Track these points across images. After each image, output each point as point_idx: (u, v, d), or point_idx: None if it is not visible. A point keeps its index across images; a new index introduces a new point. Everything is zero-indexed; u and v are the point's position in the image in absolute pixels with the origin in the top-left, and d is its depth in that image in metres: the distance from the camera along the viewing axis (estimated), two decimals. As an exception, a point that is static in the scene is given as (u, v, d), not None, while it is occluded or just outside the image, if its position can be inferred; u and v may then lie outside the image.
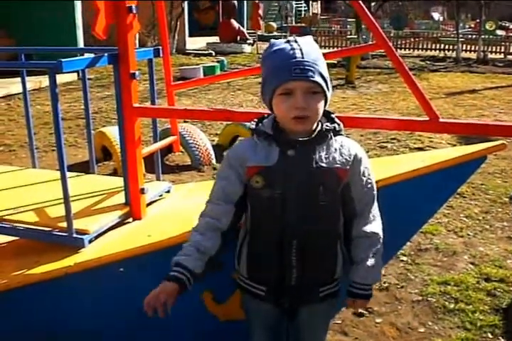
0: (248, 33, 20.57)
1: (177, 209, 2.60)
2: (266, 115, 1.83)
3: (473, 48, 17.77)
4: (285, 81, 1.62)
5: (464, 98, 10.38)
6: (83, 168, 4.38)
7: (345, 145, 1.76)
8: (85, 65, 2.21)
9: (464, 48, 17.78)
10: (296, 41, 1.66)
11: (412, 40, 19.65)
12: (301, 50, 1.63)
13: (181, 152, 5.74)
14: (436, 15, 32.30)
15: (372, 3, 17.54)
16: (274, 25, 27.36)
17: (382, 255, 1.85)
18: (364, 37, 17.25)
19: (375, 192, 1.82)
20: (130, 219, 2.47)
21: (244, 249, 1.84)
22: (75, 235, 2.22)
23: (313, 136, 1.71)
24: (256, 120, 1.80)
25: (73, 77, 11.33)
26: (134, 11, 2.26)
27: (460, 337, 2.85)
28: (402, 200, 2.20)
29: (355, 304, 1.87)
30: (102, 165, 5.68)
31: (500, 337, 2.86)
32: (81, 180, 2.82)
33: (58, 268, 2.15)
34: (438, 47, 18.65)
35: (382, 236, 1.83)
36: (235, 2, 20.71)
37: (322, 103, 1.67)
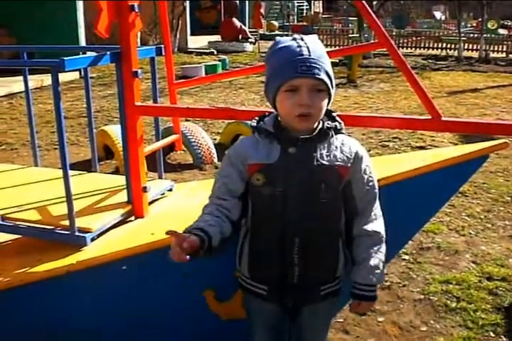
0: (250, 32, 20.57)
1: (179, 207, 2.61)
2: (267, 113, 1.83)
3: (475, 47, 17.75)
4: (291, 77, 1.62)
5: (465, 97, 10.37)
6: (85, 166, 4.39)
7: (346, 144, 1.76)
8: (88, 63, 2.21)
9: (466, 47, 17.77)
10: (302, 39, 1.66)
11: (414, 39, 19.62)
12: (307, 47, 1.63)
13: (183, 151, 5.74)
14: (438, 14, 32.24)
15: (374, 2, 17.52)
16: (276, 24, 27.33)
17: (386, 255, 1.82)
18: (366, 36, 17.25)
19: (377, 191, 1.81)
20: (132, 218, 2.47)
21: (245, 248, 1.84)
22: (77, 233, 2.22)
23: (314, 133, 1.71)
24: (257, 118, 1.80)
25: (75, 75, 11.34)
26: (137, 10, 2.26)
27: (462, 336, 2.85)
28: (403, 199, 2.20)
29: (359, 306, 1.84)
30: (104, 164, 5.68)
31: (502, 336, 2.86)
32: (83, 179, 2.82)
33: (60, 267, 2.15)
34: (440, 46, 18.63)
35: (384, 236, 1.81)
36: (237, 1, 20.71)
37: (326, 101, 1.67)
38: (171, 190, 2.78)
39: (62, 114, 2.14)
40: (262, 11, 20.38)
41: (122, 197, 2.50)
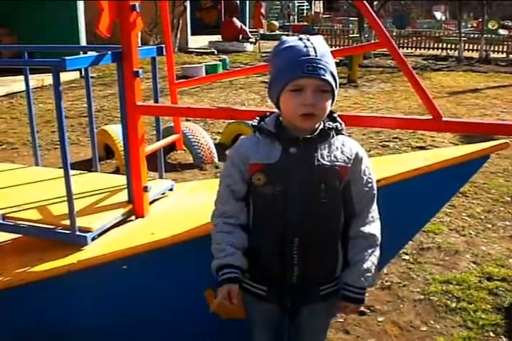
0: (250, 32, 20.57)
1: (180, 207, 2.61)
2: (268, 113, 1.83)
3: (475, 47, 17.74)
4: (297, 77, 1.62)
5: (466, 97, 10.37)
6: (85, 166, 4.40)
7: (346, 144, 1.76)
8: (89, 63, 2.21)
9: (467, 47, 17.76)
10: (308, 39, 1.66)
11: (415, 39, 19.61)
12: (314, 48, 1.63)
13: (183, 150, 5.74)
14: (438, 15, 32.21)
15: (375, 2, 17.54)
16: (276, 24, 27.34)
17: (379, 258, 1.82)
18: (366, 36, 17.25)
19: (375, 193, 1.81)
20: (133, 217, 2.47)
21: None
22: (78, 233, 2.22)
23: (315, 134, 1.71)
24: (258, 118, 1.80)
25: (75, 75, 11.34)
26: (138, 10, 2.26)
27: (462, 336, 2.85)
28: (404, 199, 2.20)
29: (347, 308, 1.84)
30: (105, 164, 5.68)
31: (502, 336, 2.86)
32: (84, 178, 2.82)
33: (61, 266, 2.15)
34: (440, 46, 18.61)
35: (379, 239, 1.81)
36: (237, 1, 20.72)
37: (330, 102, 1.68)
38: (171, 189, 2.78)
39: (63, 113, 2.15)
40: (263, 10, 20.43)
41: (123, 196, 2.50)
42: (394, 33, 19.39)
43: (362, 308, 2.97)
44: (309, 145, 1.71)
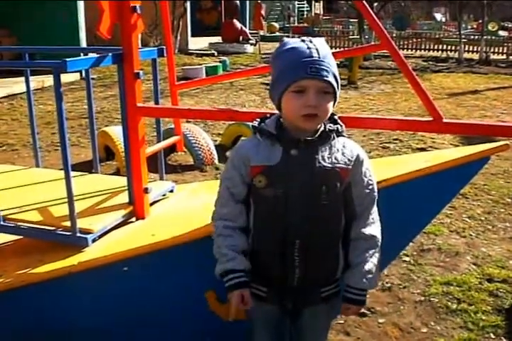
0: (250, 33, 20.57)
1: (180, 208, 2.61)
2: (268, 115, 1.83)
3: (475, 49, 17.74)
4: (300, 78, 1.62)
5: (466, 99, 10.37)
6: (86, 167, 4.40)
7: (347, 146, 1.77)
8: (90, 64, 2.21)
9: (467, 49, 17.76)
10: (311, 41, 1.67)
11: (415, 40, 19.62)
12: (317, 49, 1.64)
13: (184, 152, 5.74)
14: (438, 16, 32.24)
15: (375, 4, 17.54)
16: (277, 25, 27.38)
17: (380, 260, 1.82)
18: (366, 37, 17.26)
19: (376, 195, 1.82)
20: (133, 219, 2.47)
21: (246, 249, 1.84)
22: (78, 234, 2.22)
23: (316, 136, 1.72)
24: (258, 119, 1.80)
25: (76, 76, 11.34)
26: (139, 11, 2.26)
27: (462, 338, 2.85)
28: (404, 201, 2.20)
29: (349, 310, 1.85)
30: (105, 165, 5.69)
31: (502, 338, 2.86)
32: (84, 180, 2.82)
33: (62, 268, 2.15)
34: (440, 47, 18.62)
35: (380, 241, 1.82)
36: (238, 2, 20.72)
37: (331, 103, 1.68)
38: (172, 191, 2.78)
39: (64, 115, 2.15)
40: (263, 12, 20.41)
41: (123, 198, 2.50)
42: (394, 35, 19.39)
43: (362, 310, 2.97)
44: (310, 147, 1.71)
